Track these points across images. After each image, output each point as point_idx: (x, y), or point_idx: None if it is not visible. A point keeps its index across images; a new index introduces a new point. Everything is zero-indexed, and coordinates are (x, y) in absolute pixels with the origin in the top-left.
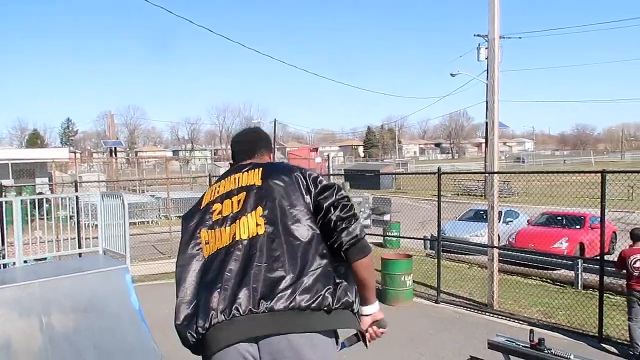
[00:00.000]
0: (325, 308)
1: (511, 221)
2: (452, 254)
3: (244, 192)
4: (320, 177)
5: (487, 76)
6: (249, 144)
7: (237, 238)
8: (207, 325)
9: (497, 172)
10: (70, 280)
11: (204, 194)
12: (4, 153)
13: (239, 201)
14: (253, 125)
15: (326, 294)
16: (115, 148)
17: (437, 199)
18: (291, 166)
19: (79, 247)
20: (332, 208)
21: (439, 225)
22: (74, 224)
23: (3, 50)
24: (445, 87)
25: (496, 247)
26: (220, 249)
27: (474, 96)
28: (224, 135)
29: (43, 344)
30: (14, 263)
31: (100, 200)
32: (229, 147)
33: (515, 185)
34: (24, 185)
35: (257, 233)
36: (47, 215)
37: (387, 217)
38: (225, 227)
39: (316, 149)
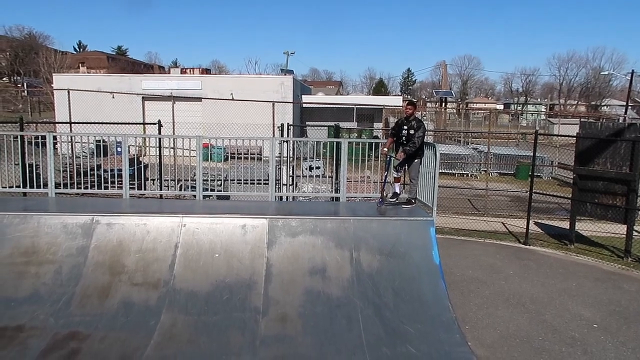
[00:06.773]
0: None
1: None
2: None
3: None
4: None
5: None
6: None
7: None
8: None
9: None
10: (378, 223)
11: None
12: (350, 99)
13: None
14: (603, 77)
15: None
16: (445, 98)
17: None
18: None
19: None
20: None
21: None
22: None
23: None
24: None
25: None
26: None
27: None
28: (564, 88)
29: (350, 276)
30: (339, 198)
31: None
32: (568, 102)
33: None
34: (364, 128)
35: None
36: (374, 158)
37: None
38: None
39: None
